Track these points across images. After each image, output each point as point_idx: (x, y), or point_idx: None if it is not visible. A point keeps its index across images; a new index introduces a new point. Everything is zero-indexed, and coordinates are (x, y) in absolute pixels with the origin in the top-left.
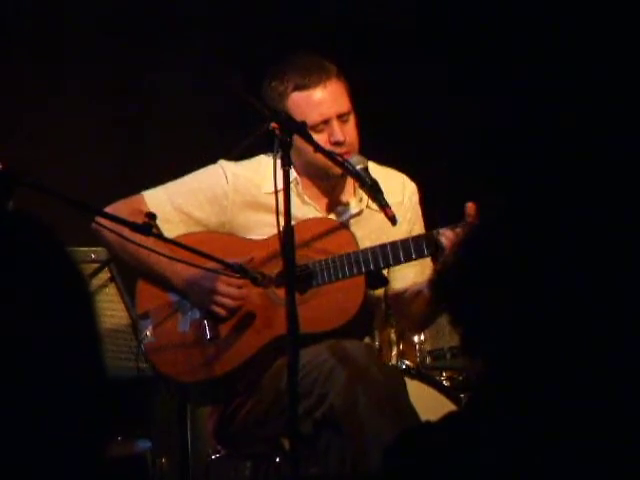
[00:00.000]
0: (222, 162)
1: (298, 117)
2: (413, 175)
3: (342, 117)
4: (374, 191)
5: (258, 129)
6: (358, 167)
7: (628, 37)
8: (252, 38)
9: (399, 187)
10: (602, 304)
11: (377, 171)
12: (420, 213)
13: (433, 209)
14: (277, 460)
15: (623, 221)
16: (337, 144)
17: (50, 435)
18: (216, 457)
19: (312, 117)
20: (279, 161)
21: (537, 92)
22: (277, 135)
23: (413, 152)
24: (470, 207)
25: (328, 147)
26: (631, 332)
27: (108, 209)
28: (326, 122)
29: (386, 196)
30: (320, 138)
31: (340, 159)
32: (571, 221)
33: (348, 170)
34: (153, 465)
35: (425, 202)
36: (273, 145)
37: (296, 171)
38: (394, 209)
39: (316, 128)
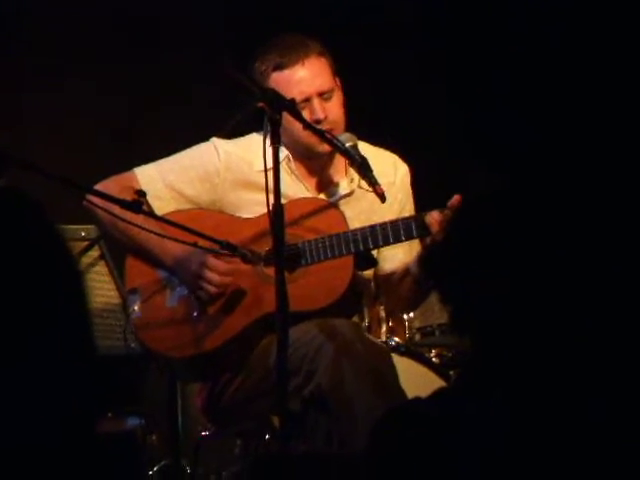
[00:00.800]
0: (215, 140)
1: None
2: (406, 157)
3: (323, 95)
4: (363, 168)
5: (247, 107)
6: (347, 144)
7: (625, 45)
8: (245, 23)
9: (391, 168)
10: (589, 281)
11: (369, 151)
12: (411, 194)
13: (424, 191)
14: (267, 437)
15: (608, 199)
16: (317, 122)
17: (42, 413)
18: (206, 434)
19: (292, 95)
20: (268, 139)
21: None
22: (266, 112)
23: (407, 135)
24: (455, 199)
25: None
26: (618, 309)
27: (99, 186)
28: (307, 100)
29: (378, 176)
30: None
31: (329, 136)
32: (557, 200)
33: (337, 147)
34: (144, 442)
35: (416, 184)
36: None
37: (287, 149)
38: (385, 189)
39: (298, 106)
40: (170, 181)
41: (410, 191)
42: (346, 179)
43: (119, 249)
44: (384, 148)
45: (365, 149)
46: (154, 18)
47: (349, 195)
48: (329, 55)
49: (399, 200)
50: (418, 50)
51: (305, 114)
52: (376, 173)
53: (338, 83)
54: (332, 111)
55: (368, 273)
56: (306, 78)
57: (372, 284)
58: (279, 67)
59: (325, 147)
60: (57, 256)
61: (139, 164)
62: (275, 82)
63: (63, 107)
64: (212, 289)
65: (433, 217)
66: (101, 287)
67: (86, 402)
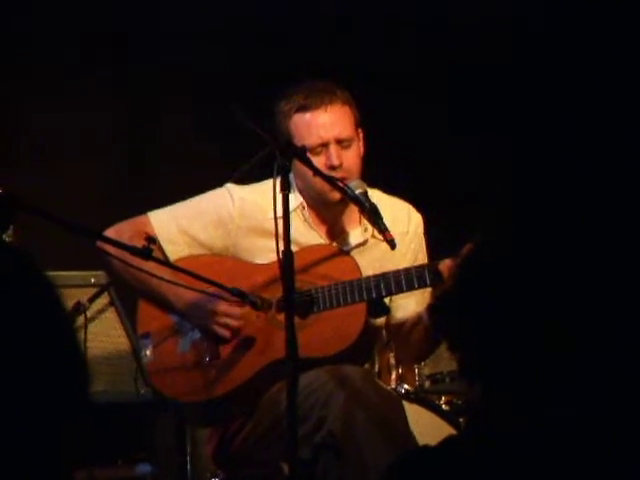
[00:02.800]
0: (229, 185)
1: (299, 138)
2: (419, 206)
3: (342, 143)
4: (373, 215)
5: (259, 154)
6: (357, 191)
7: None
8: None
9: (405, 217)
10: (599, 330)
11: (383, 200)
12: (424, 244)
13: (438, 241)
14: None
15: (615, 248)
16: (332, 168)
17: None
18: None
19: (310, 139)
20: (278, 186)
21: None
22: (276, 160)
23: (420, 183)
24: (467, 247)
25: (326, 172)
26: (630, 356)
27: (112, 229)
28: (325, 145)
29: (391, 225)
30: (318, 161)
31: (339, 183)
32: (564, 249)
33: (347, 194)
34: None
35: (430, 233)
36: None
37: (302, 196)
38: (399, 239)
39: (314, 151)
40: (183, 226)
41: (423, 240)
42: (360, 228)
43: (129, 295)
44: (398, 197)
45: (379, 198)
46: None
47: (362, 244)
48: (354, 106)
49: (412, 249)
50: (426, 101)
51: (321, 159)
52: (390, 222)
53: (360, 135)
54: (348, 160)
55: (379, 320)
56: (326, 124)
57: (383, 331)
58: (302, 109)
59: (336, 195)
60: (45, 301)
61: (143, 202)
62: (296, 123)
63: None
64: (226, 332)
65: (446, 265)
66: (110, 333)
67: (60, 453)
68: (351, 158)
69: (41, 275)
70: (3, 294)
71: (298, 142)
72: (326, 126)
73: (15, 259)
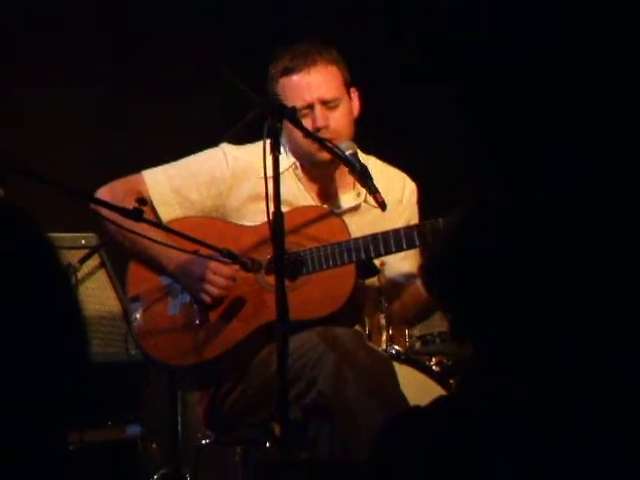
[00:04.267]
0: (224, 145)
1: (285, 101)
2: (414, 174)
3: (328, 103)
4: (363, 176)
5: (249, 115)
6: (347, 152)
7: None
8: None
9: (399, 185)
10: (589, 294)
11: (379, 167)
12: (417, 212)
13: (431, 210)
14: (267, 445)
15: (610, 219)
16: (317, 129)
17: (19, 427)
18: (206, 442)
19: (295, 101)
20: (268, 147)
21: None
22: (266, 121)
23: (416, 152)
24: (458, 209)
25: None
26: (616, 318)
27: (106, 187)
28: (310, 107)
29: (386, 193)
30: (305, 123)
31: (329, 144)
32: (558, 216)
33: (336, 154)
34: (143, 450)
35: (423, 202)
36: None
37: (294, 157)
38: (392, 206)
39: (301, 113)
40: (176, 185)
41: (416, 209)
42: (353, 192)
43: (120, 257)
44: (394, 165)
45: (375, 165)
46: (154, 18)
47: (355, 209)
48: (342, 66)
49: (405, 217)
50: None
51: (307, 121)
52: (384, 189)
53: (352, 95)
54: (335, 120)
55: (370, 281)
56: (310, 85)
57: (374, 292)
58: (287, 72)
59: (325, 155)
60: (45, 262)
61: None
62: (282, 87)
63: (61, 109)
64: (215, 291)
65: (435, 225)
66: (101, 295)
67: (66, 412)
68: (339, 119)
69: (39, 232)
70: (2, 252)
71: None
72: (310, 88)
73: (13, 216)
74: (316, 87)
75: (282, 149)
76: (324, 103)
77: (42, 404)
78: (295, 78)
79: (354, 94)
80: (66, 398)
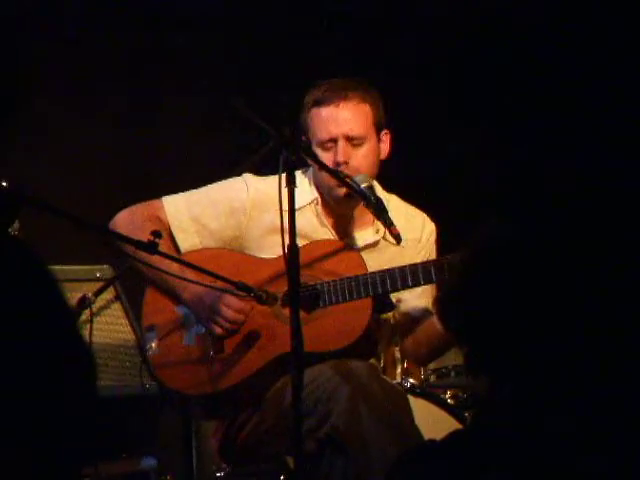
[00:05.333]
0: (247, 176)
1: (312, 132)
2: (432, 214)
3: (352, 140)
4: (378, 209)
5: (263, 147)
6: (362, 185)
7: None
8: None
9: (419, 225)
10: (603, 325)
11: (400, 206)
12: (435, 251)
13: (449, 249)
14: (282, 478)
15: (620, 253)
16: (337, 165)
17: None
18: (221, 475)
19: (321, 133)
20: (284, 180)
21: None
22: (281, 154)
23: (434, 191)
24: (472, 242)
25: (333, 168)
26: (630, 354)
27: (126, 211)
28: (334, 141)
29: (405, 232)
30: (327, 157)
31: (343, 177)
32: (569, 248)
33: (351, 187)
34: None
35: (442, 243)
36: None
37: (317, 190)
38: (411, 245)
39: (325, 146)
40: (195, 213)
41: (434, 248)
42: (372, 229)
43: (135, 289)
44: (414, 205)
45: (396, 204)
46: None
47: (373, 245)
48: (378, 106)
49: (422, 256)
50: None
51: (329, 155)
52: (404, 228)
53: (381, 137)
54: (357, 158)
55: (385, 315)
56: (338, 119)
57: (389, 326)
58: (318, 103)
59: (342, 190)
60: (45, 299)
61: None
62: (311, 117)
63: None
64: (227, 324)
65: (451, 260)
66: (116, 327)
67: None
68: (360, 157)
69: (44, 269)
70: (7, 287)
71: (312, 136)
72: (337, 122)
73: (19, 253)
74: (343, 122)
75: (307, 182)
76: (349, 139)
77: (50, 443)
78: (324, 110)
79: (385, 136)
80: (75, 435)
